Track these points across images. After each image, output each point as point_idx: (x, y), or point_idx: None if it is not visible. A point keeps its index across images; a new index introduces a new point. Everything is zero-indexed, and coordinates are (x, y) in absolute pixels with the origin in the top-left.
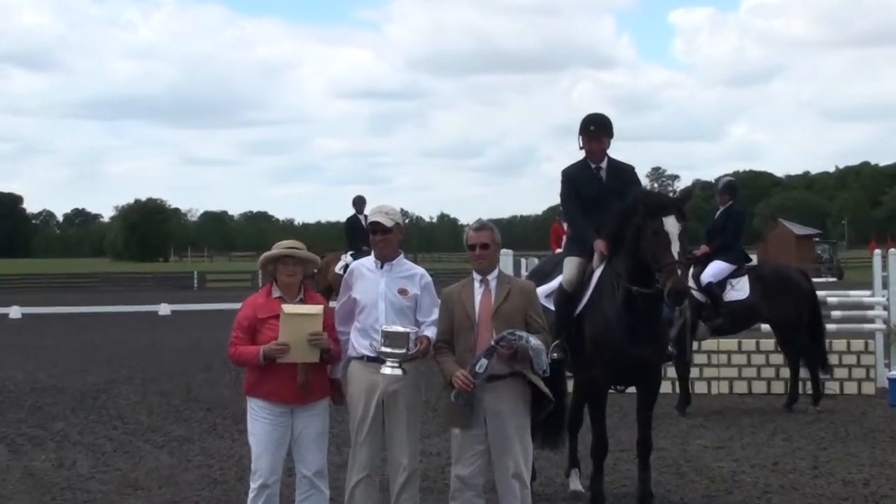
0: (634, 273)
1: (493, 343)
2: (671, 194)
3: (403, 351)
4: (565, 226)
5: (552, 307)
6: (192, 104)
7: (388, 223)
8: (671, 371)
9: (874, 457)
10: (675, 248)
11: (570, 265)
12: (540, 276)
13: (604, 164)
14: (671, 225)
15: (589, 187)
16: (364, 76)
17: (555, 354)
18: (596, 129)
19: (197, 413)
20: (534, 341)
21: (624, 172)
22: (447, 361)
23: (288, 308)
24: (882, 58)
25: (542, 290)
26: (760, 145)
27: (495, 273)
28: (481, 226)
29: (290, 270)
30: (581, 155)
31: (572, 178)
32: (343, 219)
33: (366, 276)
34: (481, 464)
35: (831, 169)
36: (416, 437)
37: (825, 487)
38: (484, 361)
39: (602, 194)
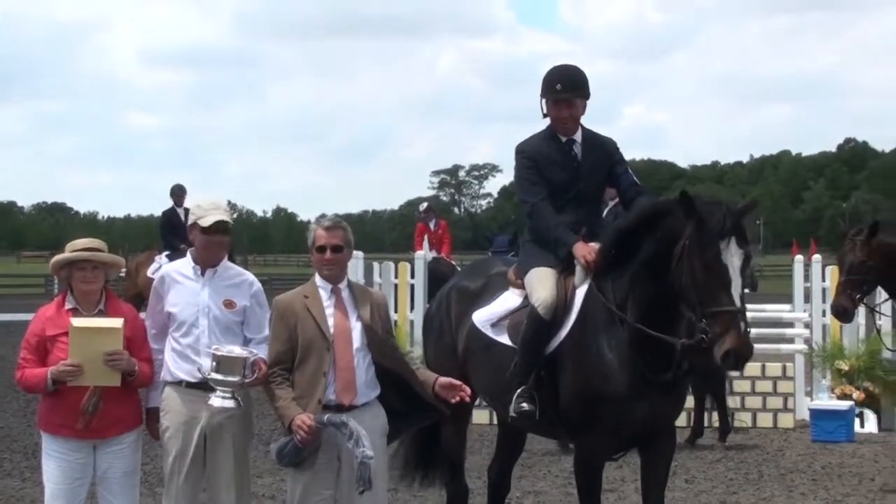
0: (650, 308)
1: (325, 420)
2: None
3: (238, 379)
4: (431, 225)
5: (502, 339)
6: None
7: (230, 222)
8: None
9: (791, 502)
10: (737, 288)
11: (545, 280)
12: (464, 296)
13: (577, 137)
14: (733, 254)
15: (560, 169)
16: (185, 39)
17: (524, 405)
18: (565, 89)
19: None
20: (369, 452)
21: (604, 148)
22: (285, 398)
23: (78, 322)
24: (807, 26)
25: (481, 318)
26: (661, 130)
27: (346, 281)
28: (334, 224)
29: (88, 277)
30: (543, 125)
31: (535, 157)
32: (158, 212)
33: (182, 285)
34: None
35: (745, 159)
36: (247, 476)
37: None
38: (337, 418)
39: (576, 179)
